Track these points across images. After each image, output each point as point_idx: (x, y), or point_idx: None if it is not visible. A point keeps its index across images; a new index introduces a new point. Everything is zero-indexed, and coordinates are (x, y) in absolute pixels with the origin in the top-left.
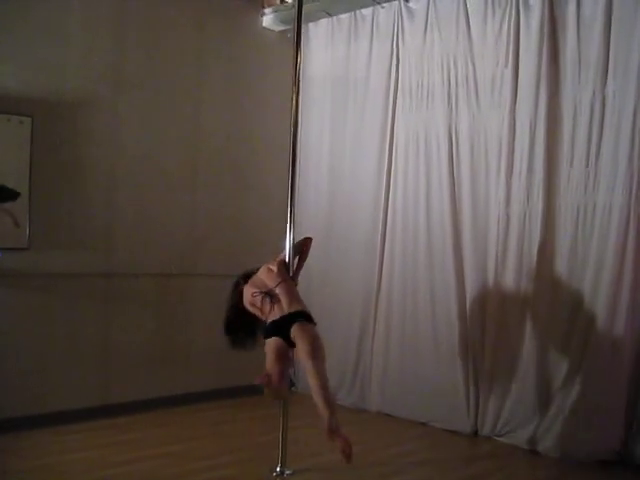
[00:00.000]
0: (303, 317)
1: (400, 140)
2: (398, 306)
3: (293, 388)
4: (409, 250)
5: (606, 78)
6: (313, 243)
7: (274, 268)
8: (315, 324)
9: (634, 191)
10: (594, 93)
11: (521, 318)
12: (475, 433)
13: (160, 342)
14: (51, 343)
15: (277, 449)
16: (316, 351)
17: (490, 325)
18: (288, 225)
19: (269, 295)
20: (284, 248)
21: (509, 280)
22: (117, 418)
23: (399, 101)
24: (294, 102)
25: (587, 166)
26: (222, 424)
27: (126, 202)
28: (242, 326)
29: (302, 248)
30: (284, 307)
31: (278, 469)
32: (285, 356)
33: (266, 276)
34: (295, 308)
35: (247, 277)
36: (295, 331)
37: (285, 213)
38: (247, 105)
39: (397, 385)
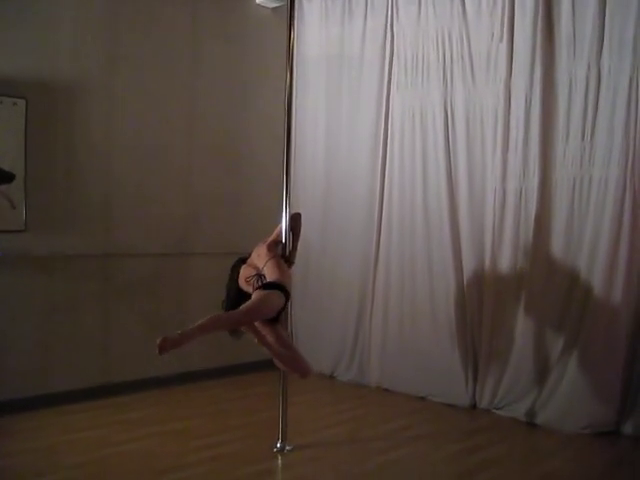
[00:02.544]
0: (272, 287)
1: (396, 116)
2: (396, 281)
3: None
4: (406, 225)
5: (601, 52)
6: (310, 221)
7: (263, 248)
8: (284, 294)
9: (630, 164)
10: (589, 67)
11: (518, 292)
12: (474, 406)
13: (159, 321)
14: (51, 324)
15: (277, 426)
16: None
17: (488, 299)
18: (284, 202)
19: (260, 276)
20: (280, 224)
21: (506, 254)
22: (117, 397)
23: (394, 77)
24: (288, 79)
25: (583, 140)
26: (221, 402)
27: (123, 182)
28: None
29: (292, 224)
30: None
31: (278, 445)
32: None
33: (257, 257)
34: (270, 279)
35: (245, 260)
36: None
37: (281, 190)
38: (242, 83)
39: (396, 360)
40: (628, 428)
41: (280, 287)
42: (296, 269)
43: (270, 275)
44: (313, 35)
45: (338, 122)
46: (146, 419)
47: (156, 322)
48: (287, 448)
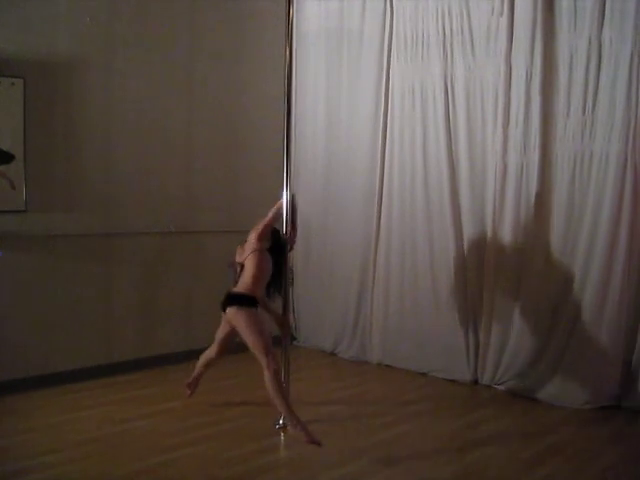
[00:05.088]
0: (237, 301)
1: (396, 92)
2: (397, 258)
3: (294, 342)
4: (407, 202)
5: (602, 25)
6: (311, 198)
7: (254, 235)
8: (252, 307)
9: (631, 139)
10: (590, 40)
11: (519, 267)
12: (475, 382)
13: (160, 300)
14: (52, 304)
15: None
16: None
17: (488, 275)
18: (284, 179)
19: (241, 266)
20: (280, 200)
21: (507, 229)
22: (120, 376)
23: (394, 52)
24: (287, 55)
25: (584, 114)
26: (223, 380)
27: (122, 161)
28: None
29: (278, 212)
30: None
31: (281, 422)
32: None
33: (247, 242)
34: (238, 289)
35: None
36: (229, 314)
37: (281, 167)
38: (242, 59)
39: (397, 336)
40: (629, 402)
41: (244, 299)
42: (297, 247)
43: (245, 273)
44: (312, 10)
45: (338, 98)
46: (149, 397)
47: (158, 300)
48: (289, 424)
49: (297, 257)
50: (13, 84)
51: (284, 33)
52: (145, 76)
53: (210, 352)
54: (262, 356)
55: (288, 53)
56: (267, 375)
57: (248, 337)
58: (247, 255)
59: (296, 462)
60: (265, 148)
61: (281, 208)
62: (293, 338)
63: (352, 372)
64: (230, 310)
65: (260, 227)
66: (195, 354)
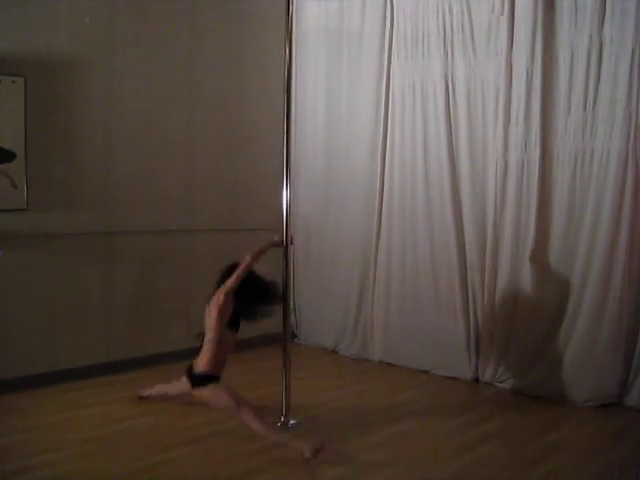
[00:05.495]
0: (202, 382)
1: (396, 90)
2: (398, 255)
3: (295, 339)
4: (407, 199)
5: (603, 22)
6: (311, 195)
7: (214, 309)
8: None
9: (632, 136)
10: (591, 37)
11: (520, 264)
12: (476, 380)
13: (161, 298)
14: (53, 302)
15: (280, 400)
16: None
17: (490, 272)
18: (284, 177)
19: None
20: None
21: (508, 227)
22: (120, 374)
23: (394, 50)
24: (287, 53)
25: (584, 112)
26: (226, 378)
27: (123, 159)
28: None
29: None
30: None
31: (282, 419)
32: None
33: (209, 310)
34: (200, 367)
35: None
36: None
37: (282, 166)
38: (241, 58)
39: (399, 334)
40: (631, 400)
41: (208, 379)
42: (298, 244)
43: (204, 350)
44: (312, 10)
45: (338, 96)
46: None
47: (158, 298)
48: (291, 422)
49: (298, 254)
50: (14, 82)
51: (284, 32)
52: (145, 74)
53: (167, 391)
54: (237, 411)
55: (288, 52)
56: (247, 418)
57: (217, 407)
58: (205, 335)
59: (296, 460)
60: (265, 147)
61: (256, 255)
62: (294, 336)
63: (353, 370)
64: (196, 391)
65: (221, 296)
66: (195, 352)
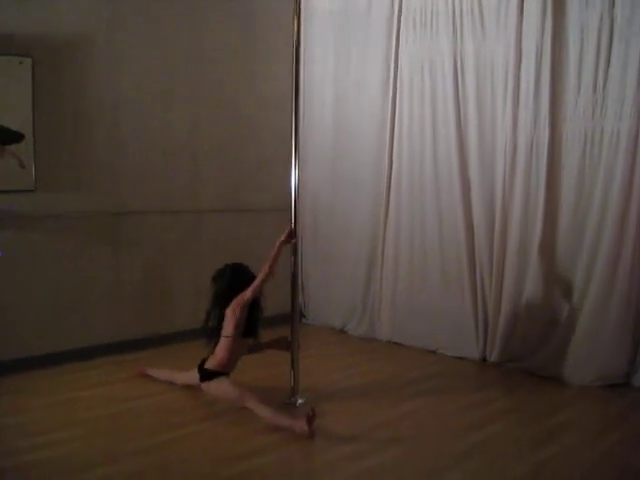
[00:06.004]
0: (210, 377)
1: (405, 70)
2: (406, 236)
3: (303, 319)
4: (416, 179)
5: (614, 2)
6: (320, 174)
7: (231, 315)
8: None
9: None
10: (602, 17)
11: (528, 244)
12: (484, 359)
13: (169, 278)
14: (61, 282)
15: (289, 380)
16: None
17: (498, 252)
18: (293, 157)
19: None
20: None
21: (516, 207)
22: (127, 354)
23: (403, 31)
24: (296, 32)
25: (594, 92)
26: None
27: (131, 140)
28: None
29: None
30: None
31: (290, 398)
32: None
33: (228, 313)
34: (211, 364)
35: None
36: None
37: (290, 147)
38: (250, 37)
39: (407, 314)
40: (639, 380)
41: (214, 374)
42: (305, 224)
43: (219, 349)
44: None
45: (346, 76)
46: None
47: (165, 279)
48: (299, 402)
49: (305, 234)
50: (21, 63)
51: (292, 13)
52: (152, 52)
53: (175, 379)
54: (242, 399)
55: (296, 33)
56: (252, 404)
57: (222, 398)
58: (223, 334)
59: (303, 439)
60: (273, 125)
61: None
62: (302, 316)
63: (361, 349)
64: (204, 385)
65: (236, 307)
66: (201, 334)
